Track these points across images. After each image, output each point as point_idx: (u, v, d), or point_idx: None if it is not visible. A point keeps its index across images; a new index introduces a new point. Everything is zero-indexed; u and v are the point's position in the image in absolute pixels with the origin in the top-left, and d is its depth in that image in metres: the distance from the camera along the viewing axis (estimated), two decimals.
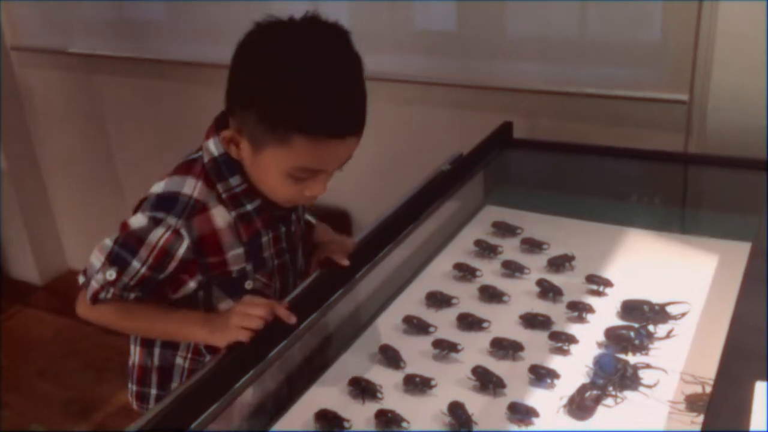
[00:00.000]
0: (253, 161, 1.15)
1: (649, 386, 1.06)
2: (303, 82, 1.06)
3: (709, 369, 1.07)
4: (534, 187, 1.76)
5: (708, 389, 1.03)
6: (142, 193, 1.22)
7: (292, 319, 1.15)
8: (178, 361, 1.30)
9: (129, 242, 1.19)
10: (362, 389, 1.12)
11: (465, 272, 1.39)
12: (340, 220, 2.36)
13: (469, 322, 1.25)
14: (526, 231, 1.51)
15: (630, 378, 1.07)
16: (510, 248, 1.46)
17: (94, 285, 1.22)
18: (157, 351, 1.33)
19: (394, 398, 1.11)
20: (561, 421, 1.04)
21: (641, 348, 1.14)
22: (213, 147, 1.20)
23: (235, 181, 1.19)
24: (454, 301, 1.31)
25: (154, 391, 1.34)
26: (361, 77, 1.12)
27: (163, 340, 1.32)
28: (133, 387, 1.34)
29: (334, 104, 1.07)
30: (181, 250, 1.18)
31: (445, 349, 1.18)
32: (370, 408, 1.09)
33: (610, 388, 1.06)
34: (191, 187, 1.19)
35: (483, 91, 2.08)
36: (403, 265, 1.46)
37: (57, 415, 2.56)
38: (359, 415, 1.08)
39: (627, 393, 1.06)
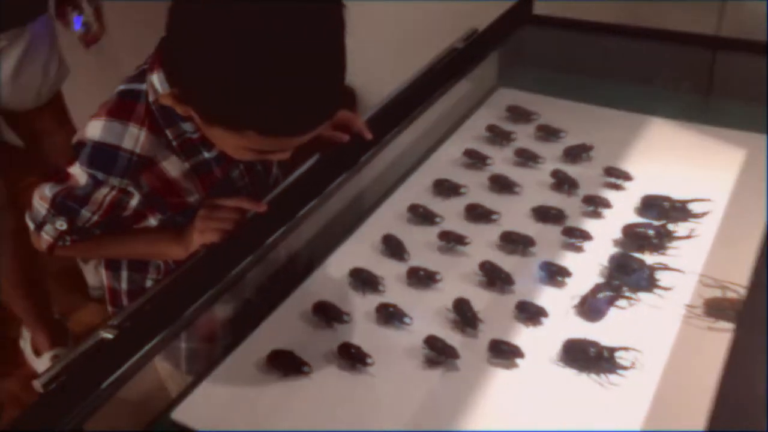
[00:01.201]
0: (203, 128, 0.96)
1: (665, 288, 1.00)
2: (260, 75, 0.84)
3: (730, 273, 1.02)
4: (552, 69, 1.64)
5: (728, 294, 0.97)
6: None
7: (262, 207, 1.04)
8: (149, 284, 1.19)
9: (71, 196, 1.03)
10: (363, 281, 1.06)
11: (475, 159, 1.31)
12: (344, 97, 2.25)
13: (478, 214, 1.18)
14: (542, 117, 1.41)
15: (646, 279, 1.01)
16: (524, 135, 1.37)
17: (46, 237, 1.08)
18: (124, 274, 1.20)
19: (396, 291, 1.06)
20: (571, 322, 0.99)
21: (659, 247, 1.08)
22: (158, 84, 0.98)
23: (188, 126, 1.01)
24: (462, 190, 1.24)
25: None
26: (338, 53, 0.89)
27: (130, 263, 1.19)
28: (110, 308, 1.26)
29: (296, 104, 0.86)
30: (133, 202, 1.05)
31: (452, 241, 1.12)
32: (371, 300, 1.04)
33: (625, 290, 1.00)
34: (133, 139, 1.00)
35: None
36: (409, 149, 1.37)
37: None
38: (359, 307, 1.03)
39: (641, 295, 1.01)
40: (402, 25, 2.10)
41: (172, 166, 1.03)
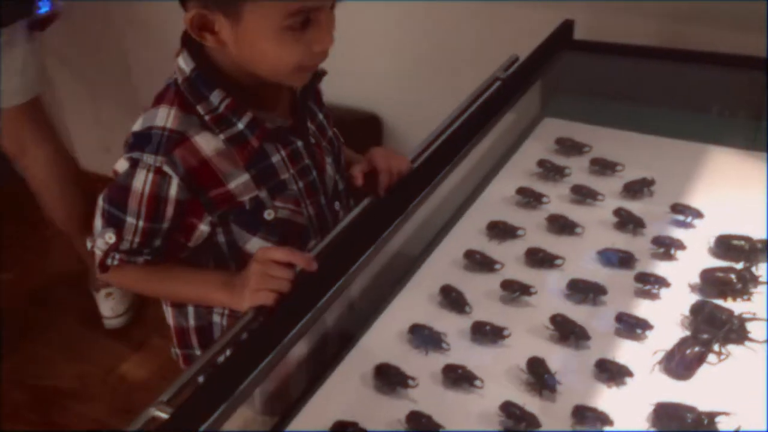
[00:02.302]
0: (237, 39, 0.98)
1: (759, 341, 0.92)
2: None
3: None
4: (598, 97, 1.56)
5: None
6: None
7: (314, 266, 0.99)
8: (215, 318, 1.16)
9: (116, 195, 1.05)
10: (424, 338, 0.98)
11: (529, 198, 1.23)
12: (370, 124, 2.18)
13: (540, 259, 1.10)
14: (594, 148, 1.34)
15: (736, 331, 0.93)
16: (578, 169, 1.30)
17: (98, 252, 1.09)
18: (191, 310, 1.18)
19: (460, 349, 0.98)
20: (657, 380, 0.90)
21: (743, 293, 1.00)
22: (183, 64, 1.04)
23: (216, 97, 1.03)
24: (519, 232, 1.16)
25: (199, 353, 1.21)
26: None
27: None
28: (176, 351, 1.21)
29: None
30: (173, 190, 1.02)
31: (516, 291, 1.04)
32: (434, 360, 0.96)
33: (714, 344, 0.92)
34: (164, 117, 1.03)
35: None
36: (457, 189, 1.30)
37: None
38: (423, 369, 0.95)
39: (732, 348, 0.93)
40: (424, 49, 2.03)
41: (206, 142, 1.03)
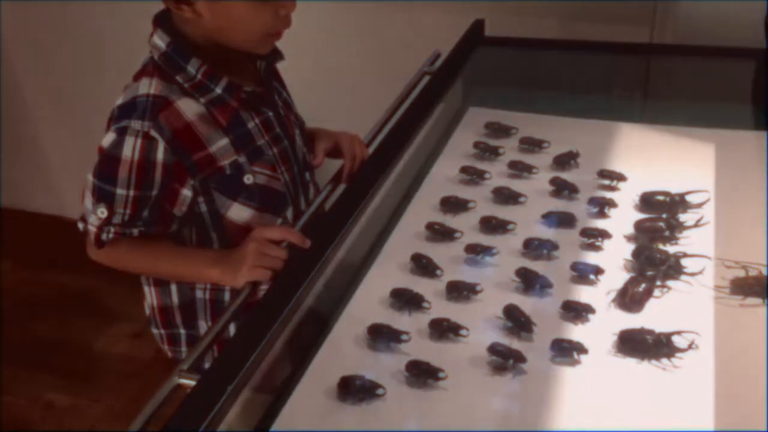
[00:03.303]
0: (212, 8, 1.08)
1: (693, 274, 1.08)
2: None
3: (744, 254, 1.10)
4: (513, 86, 1.72)
5: (751, 272, 1.06)
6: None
7: (307, 243, 1.09)
8: (198, 294, 1.22)
9: (105, 168, 1.10)
10: (406, 300, 1.08)
11: (472, 175, 1.36)
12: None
13: (494, 225, 1.22)
14: (521, 131, 1.48)
15: (673, 267, 1.08)
16: (509, 149, 1.43)
17: (92, 228, 1.14)
18: (174, 288, 1.24)
19: (439, 307, 1.08)
20: (613, 315, 1.04)
21: (671, 238, 1.16)
22: (159, 41, 1.14)
23: (193, 66, 1.13)
24: (470, 204, 1.28)
25: (183, 331, 1.25)
26: None
27: None
28: (161, 331, 1.25)
29: None
30: (160, 153, 1.10)
31: (480, 252, 1.16)
32: (417, 319, 1.05)
33: (657, 280, 1.07)
34: (146, 86, 1.12)
35: None
36: (403, 173, 1.40)
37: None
38: (409, 326, 1.03)
39: (671, 283, 1.08)
40: (344, 56, 2.14)
41: (188, 107, 1.12)
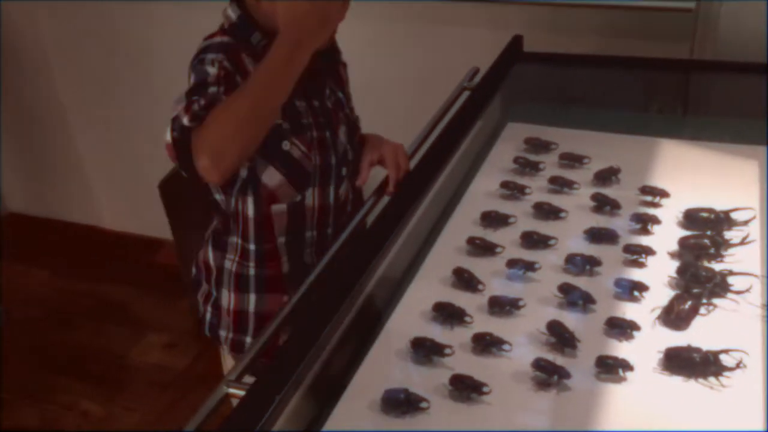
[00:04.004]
0: None
1: (739, 292, 1.07)
2: None
3: None
4: (552, 102, 1.72)
5: None
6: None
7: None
8: (227, 264, 1.35)
9: (195, 85, 1.19)
10: (448, 314, 1.08)
11: (513, 190, 1.35)
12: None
13: (535, 240, 1.22)
14: (560, 146, 1.47)
15: (719, 285, 1.07)
16: (549, 164, 1.43)
17: (186, 117, 1.14)
18: (210, 250, 1.38)
19: (482, 321, 1.07)
20: (658, 332, 1.03)
21: (717, 256, 1.14)
22: (231, 12, 1.26)
23: (256, 38, 1.24)
24: (511, 219, 1.28)
25: (214, 293, 1.38)
26: None
27: (213, 240, 1.37)
28: (230, 335, 1.35)
29: None
30: (236, 77, 1.20)
31: (522, 267, 1.15)
32: (459, 333, 1.05)
33: (703, 297, 1.06)
34: (219, 40, 1.25)
35: (476, 5, 2.01)
36: (443, 188, 1.40)
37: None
38: (451, 340, 1.03)
39: (717, 301, 1.07)
40: (390, 70, 2.15)
41: (248, 63, 1.23)
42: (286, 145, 1.25)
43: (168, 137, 1.17)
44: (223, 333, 1.38)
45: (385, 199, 1.36)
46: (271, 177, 1.25)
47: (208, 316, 1.40)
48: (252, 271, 1.34)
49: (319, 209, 1.32)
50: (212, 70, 1.18)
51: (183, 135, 1.13)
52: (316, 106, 1.30)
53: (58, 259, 2.89)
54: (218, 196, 1.32)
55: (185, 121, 1.13)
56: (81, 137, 2.84)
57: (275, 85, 1.14)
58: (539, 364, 0.97)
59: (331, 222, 1.35)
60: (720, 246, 1.15)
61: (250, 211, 1.29)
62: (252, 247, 1.32)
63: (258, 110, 1.13)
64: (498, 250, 1.21)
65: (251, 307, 1.35)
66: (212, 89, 1.16)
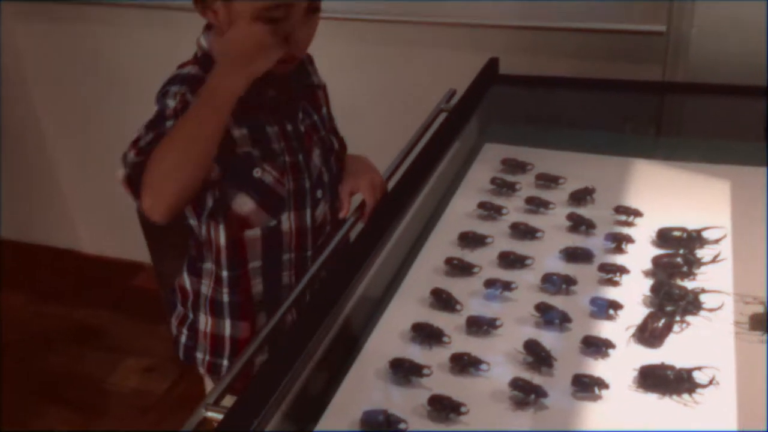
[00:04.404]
0: (228, 18, 1.19)
1: (712, 309, 1.08)
2: None
3: (758, 289, 1.11)
4: (527, 123, 1.74)
5: None
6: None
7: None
8: (203, 289, 1.35)
9: (151, 120, 1.19)
10: (427, 334, 1.09)
11: (490, 210, 1.37)
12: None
13: (512, 260, 1.23)
14: (536, 167, 1.50)
15: (692, 303, 1.09)
16: (526, 184, 1.45)
17: (133, 149, 1.17)
18: (185, 275, 1.37)
19: (460, 341, 1.08)
20: (633, 350, 1.04)
21: (689, 274, 1.16)
22: (203, 41, 1.28)
23: None
24: (488, 240, 1.29)
25: (191, 315, 1.39)
26: None
27: (189, 266, 1.36)
28: (206, 357, 1.36)
29: None
30: None
31: (500, 287, 1.17)
32: (437, 353, 1.06)
33: (676, 315, 1.07)
34: (188, 70, 1.25)
35: (453, 29, 2.04)
36: (421, 208, 1.42)
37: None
38: (430, 360, 1.04)
39: (690, 318, 1.09)
40: (368, 90, 2.17)
41: None
42: (257, 173, 1.25)
43: (120, 174, 1.18)
44: (199, 355, 1.38)
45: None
46: (243, 204, 1.26)
47: (183, 338, 1.40)
48: (226, 297, 1.34)
49: (296, 232, 1.33)
50: (171, 103, 1.19)
51: (132, 170, 1.15)
52: (289, 131, 1.30)
53: (36, 284, 2.86)
54: (192, 222, 1.32)
55: (132, 155, 1.15)
56: (59, 161, 2.83)
57: (208, 114, 1.13)
58: (517, 384, 0.98)
59: (309, 244, 1.36)
60: (692, 264, 1.17)
61: (222, 238, 1.30)
62: (225, 273, 1.32)
63: (194, 141, 1.12)
64: (475, 270, 1.22)
65: (227, 332, 1.35)
66: (168, 123, 1.17)
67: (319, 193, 1.35)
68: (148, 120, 1.20)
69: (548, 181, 1.45)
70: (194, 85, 1.20)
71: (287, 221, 1.31)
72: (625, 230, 1.29)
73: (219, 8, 1.20)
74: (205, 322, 1.36)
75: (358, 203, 1.41)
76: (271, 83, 1.27)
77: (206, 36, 1.28)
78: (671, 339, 1.05)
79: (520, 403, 0.97)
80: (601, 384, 0.97)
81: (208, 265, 1.34)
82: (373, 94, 2.16)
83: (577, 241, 1.28)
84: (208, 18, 1.24)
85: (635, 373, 0.99)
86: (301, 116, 1.34)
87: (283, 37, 1.19)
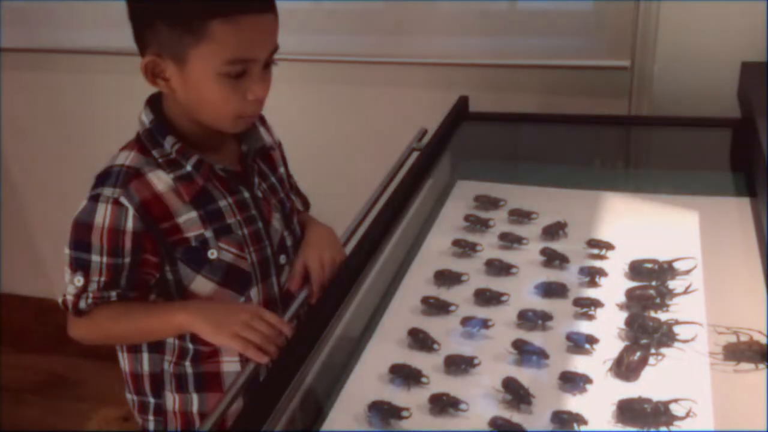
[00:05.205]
0: (184, 83, 1.14)
1: (686, 341, 1.10)
2: None
3: (734, 319, 1.13)
4: (499, 159, 1.77)
5: (742, 338, 1.08)
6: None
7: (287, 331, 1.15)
8: (165, 366, 1.27)
9: (79, 236, 1.15)
10: (405, 375, 1.08)
11: (464, 248, 1.38)
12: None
13: (488, 297, 1.24)
14: (509, 202, 1.51)
15: (666, 335, 1.10)
16: (499, 220, 1.46)
17: (70, 298, 1.18)
18: (145, 357, 1.28)
19: (438, 381, 1.08)
20: (610, 384, 1.05)
21: (662, 305, 1.18)
22: (144, 117, 1.21)
23: (168, 143, 1.18)
24: (464, 277, 1.30)
25: (152, 400, 1.26)
26: None
27: (150, 345, 1.26)
28: (132, 397, 1.27)
29: None
30: (129, 221, 1.14)
31: (476, 325, 1.17)
32: (416, 394, 1.06)
33: (651, 348, 1.08)
34: (124, 158, 1.19)
35: (422, 68, 2.07)
36: (395, 248, 1.42)
37: None
38: (409, 402, 1.04)
39: (664, 350, 1.09)
40: (331, 132, 2.19)
41: (158, 179, 1.17)
42: (213, 254, 1.20)
43: (60, 299, 1.21)
44: None
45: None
46: (203, 286, 1.21)
47: (151, 425, 1.32)
48: (190, 369, 1.27)
49: (264, 303, 1.27)
50: (98, 220, 1.14)
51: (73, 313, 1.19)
52: (245, 199, 1.24)
53: (6, 334, 2.81)
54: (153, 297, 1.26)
55: (71, 311, 1.18)
56: (31, 210, 2.80)
57: (159, 332, 1.22)
58: (496, 423, 0.98)
59: (279, 314, 1.23)
60: (665, 296, 1.18)
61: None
62: (190, 346, 1.26)
63: (137, 338, 1.24)
64: (452, 308, 1.22)
65: (194, 408, 1.29)
66: (95, 259, 1.14)
67: (282, 259, 1.30)
68: (72, 234, 1.16)
69: (521, 216, 1.46)
70: (127, 183, 1.15)
71: (256, 295, 1.26)
72: (598, 263, 1.30)
73: (172, 75, 1.14)
74: (172, 399, 1.29)
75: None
76: (222, 153, 1.24)
77: (146, 111, 1.21)
78: (647, 371, 1.06)
79: None
80: (580, 420, 0.97)
81: (171, 339, 1.26)
82: (344, 134, 2.17)
83: (551, 275, 1.29)
84: (159, 87, 1.17)
85: (613, 408, 1.00)
86: (257, 181, 1.28)
87: (242, 94, 1.15)
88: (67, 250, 1.17)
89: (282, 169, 1.39)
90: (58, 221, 2.80)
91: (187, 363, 1.27)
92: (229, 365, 1.27)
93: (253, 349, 1.09)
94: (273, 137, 1.39)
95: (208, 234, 1.19)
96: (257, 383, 1.08)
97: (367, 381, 1.10)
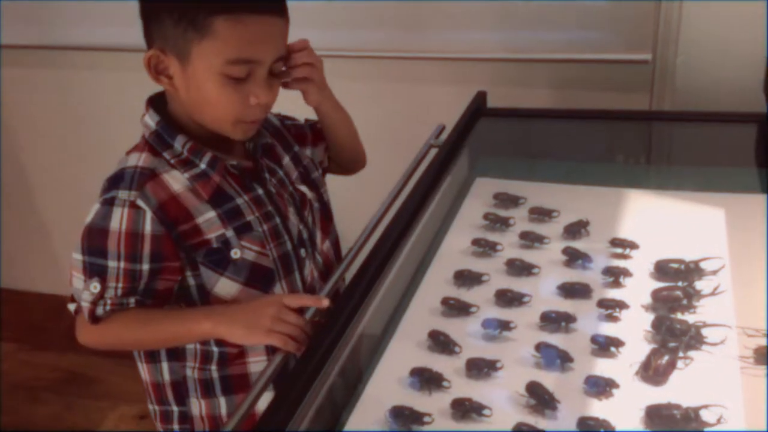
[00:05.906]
0: (186, 82, 1.11)
1: (715, 344, 1.07)
2: None
3: (760, 320, 1.10)
4: (518, 156, 1.74)
5: None
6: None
7: (324, 303, 1.12)
8: (188, 372, 1.22)
9: (94, 242, 1.11)
10: (426, 380, 1.06)
11: (484, 247, 1.35)
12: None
13: (509, 298, 1.21)
14: (529, 200, 1.48)
15: (695, 338, 1.07)
16: (519, 219, 1.43)
17: (86, 305, 1.13)
18: (165, 366, 1.23)
19: (460, 385, 1.06)
20: (637, 388, 1.02)
21: (689, 307, 1.15)
22: (149, 119, 1.18)
23: (179, 143, 1.16)
24: (484, 278, 1.27)
25: (176, 409, 1.23)
26: None
27: (168, 352, 1.22)
28: (154, 407, 1.23)
29: None
30: (147, 224, 1.11)
31: (497, 327, 1.14)
32: (438, 398, 1.04)
33: (679, 351, 1.06)
34: (135, 159, 1.15)
35: (438, 63, 2.04)
36: (414, 247, 1.40)
37: None
38: (430, 407, 1.02)
39: (692, 353, 1.07)
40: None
41: (174, 180, 1.15)
42: (236, 254, 1.17)
43: (71, 306, 1.19)
44: None
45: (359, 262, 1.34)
46: (228, 287, 1.18)
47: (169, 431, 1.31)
48: (216, 374, 1.25)
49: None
50: (114, 225, 1.10)
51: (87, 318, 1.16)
52: (260, 196, 1.23)
53: (23, 332, 2.81)
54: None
55: (88, 318, 1.14)
56: (46, 206, 2.80)
57: (181, 339, 1.19)
58: (521, 429, 0.95)
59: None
60: (692, 297, 1.15)
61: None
62: (215, 349, 1.23)
63: (155, 345, 1.20)
64: (473, 309, 1.20)
65: (223, 411, 1.27)
66: (111, 264, 1.10)
67: (302, 252, 1.29)
68: (86, 239, 1.11)
69: (542, 214, 1.43)
70: (143, 185, 1.12)
71: (281, 291, 1.23)
72: (622, 263, 1.27)
73: (175, 72, 1.12)
74: (198, 405, 1.26)
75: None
76: (231, 151, 1.22)
77: (151, 114, 1.19)
78: (675, 375, 1.03)
79: None
80: (607, 426, 0.95)
81: (193, 345, 1.23)
82: (361, 131, 2.14)
83: (573, 275, 1.26)
84: (163, 85, 1.15)
85: (641, 413, 0.97)
86: (267, 177, 1.27)
87: (244, 98, 1.12)
88: (79, 256, 1.13)
89: (286, 160, 1.35)
90: (72, 218, 2.81)
91: (213, 367, 1.24)
92: (256, 365, 1.25)
93: (290, 341, 1.08)
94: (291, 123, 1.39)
95: (229, 233, 1.17)
96: (280, 384, 1.05)
97: (387, 385, 1.08)
